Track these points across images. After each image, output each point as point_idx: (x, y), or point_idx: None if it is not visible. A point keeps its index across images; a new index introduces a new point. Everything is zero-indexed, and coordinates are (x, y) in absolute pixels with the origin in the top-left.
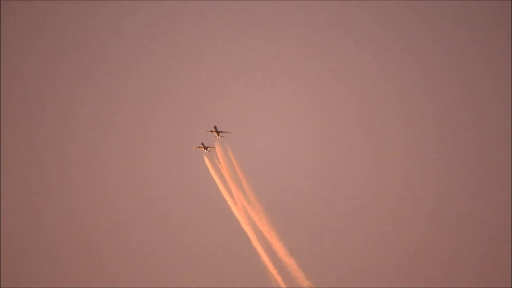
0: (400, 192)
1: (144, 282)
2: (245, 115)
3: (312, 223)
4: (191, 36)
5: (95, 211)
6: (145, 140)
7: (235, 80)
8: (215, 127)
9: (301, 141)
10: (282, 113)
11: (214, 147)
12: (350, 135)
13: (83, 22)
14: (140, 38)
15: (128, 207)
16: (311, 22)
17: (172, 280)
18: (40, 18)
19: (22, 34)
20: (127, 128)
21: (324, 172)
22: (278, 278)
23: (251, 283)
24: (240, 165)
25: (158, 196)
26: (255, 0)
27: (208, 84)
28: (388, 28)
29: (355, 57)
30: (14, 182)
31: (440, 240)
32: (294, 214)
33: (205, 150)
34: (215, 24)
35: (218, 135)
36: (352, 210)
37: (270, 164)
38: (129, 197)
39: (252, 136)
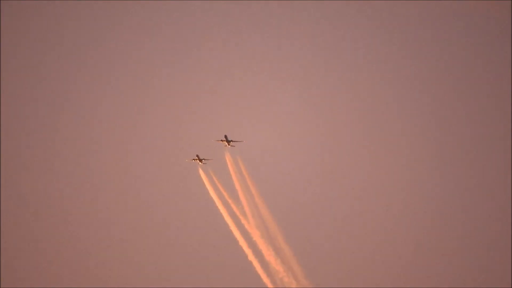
0: (406, 195)
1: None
2: (254, 124)
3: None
4: (200, 42)
5: (94, 215)
6: (147, 150)
7: (244, 88)
8: (225, 136)
9: (312, 150)
10: (294, 120)
11: (210, 159)
12: (367, 144)
13: (85, 23)
14: (145, 42)
15: (128, 212)
16: (324, 28)
17: None
18: (40, 18)
19: (22, 34)
20: (132, 140)
21: (348, 189)
22: None
23: None
24: (250, 174)
25: (154, 210)
26: (271, 16)
27: (217, 94)
28: (391, 29)
29: (372, 68)
30: (13, 183)
31: (440, 240)
32: (315, 238)
33: (200, 163)
34: (222, 28)
35: (229, 145)
36: (376, 228)
37: (282, 174)
38: (129, 203)
39: (263, 145)
